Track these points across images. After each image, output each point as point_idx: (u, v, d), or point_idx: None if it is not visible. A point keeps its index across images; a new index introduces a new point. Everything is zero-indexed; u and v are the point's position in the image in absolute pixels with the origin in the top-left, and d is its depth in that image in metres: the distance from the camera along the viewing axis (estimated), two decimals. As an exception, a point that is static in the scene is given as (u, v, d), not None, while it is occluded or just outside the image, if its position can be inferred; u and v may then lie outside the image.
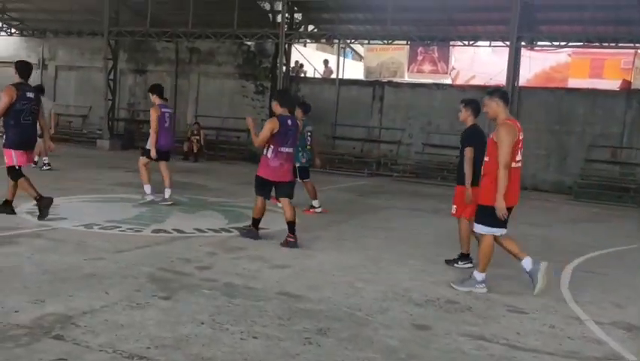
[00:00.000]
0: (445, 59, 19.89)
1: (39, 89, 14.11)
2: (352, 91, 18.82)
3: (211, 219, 8.67)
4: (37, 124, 7.99)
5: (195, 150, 17.81)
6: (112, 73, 20.72)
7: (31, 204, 8.58)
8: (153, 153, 9.54)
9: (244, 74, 19.93)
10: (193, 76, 21.11)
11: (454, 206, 6.78)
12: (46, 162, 13.01)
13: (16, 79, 7.72)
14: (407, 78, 20.27)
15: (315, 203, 9.90)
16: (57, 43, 23.42)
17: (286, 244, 7.14)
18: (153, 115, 9.56)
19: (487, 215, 5.63)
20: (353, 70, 21.95)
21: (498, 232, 5.70)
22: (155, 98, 9.75)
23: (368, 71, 21.43)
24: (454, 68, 20.67)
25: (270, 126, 7.07)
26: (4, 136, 7.72)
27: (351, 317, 4.77)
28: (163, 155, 9.72)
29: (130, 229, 7.52)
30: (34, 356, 3.63)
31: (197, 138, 18.10)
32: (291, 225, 7.18)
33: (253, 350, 4.00)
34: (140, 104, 21.98)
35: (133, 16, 20.03)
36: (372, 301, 5.26)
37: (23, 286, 4.94)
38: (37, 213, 7.64)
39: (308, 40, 21.66)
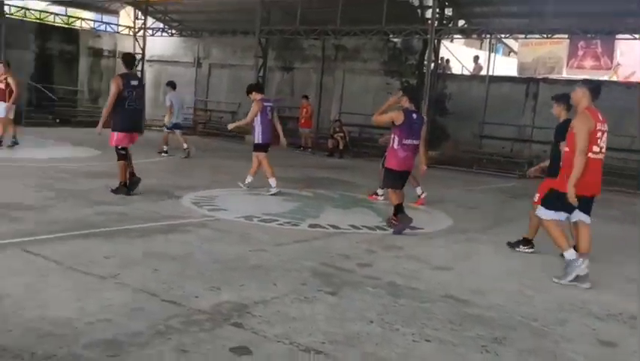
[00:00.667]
0: (610, 53, 18.46)
1: (171, 85, 15.38)
2: (503, 88, 18.10)
3: (364, 216, 8.64)
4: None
5: (341, 147, 17.96)
6: (261, 70, 21.43)
7: (194, 195, 9.09)
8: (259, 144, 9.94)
9: (389, 71, 19.82)
10: (338, 73, 21.34)
11: (537, 195, 6.74)
12: (165, 149, 14.41)
13: (123, 69, 8.87)
14: (565, 74, 19.09)
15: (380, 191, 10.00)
16: (211, 43, 24.67)
17: (389, 223, 7.75)
18: (254, 109, 9.88)
19: (554, 199, 5.83)
20: (503, 66, 21.11)
21: (557, 216, 5.86)
22: (255, 95, 10.04)
23: (522, 67, 20.45)
24: (619, 64, 19.18)
25: (394, 116, 7.56)
26: (112, 120, 8.61)
27: (527, 327, 4.49)
28: (265, 147, 10.02)
29: (287, 222, 7.66)
30: (217, 342, 3.75)
31: (341, 135, 18.23)
32: (397, 207, 7.59)
33: (428, 353, 3.87)
34: (286, 100, 22.60)
35: (283, 15, 20.59)
36: (547, 311, 4.93)
37: (198, 272, 5.16)
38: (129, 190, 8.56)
39: (456, 36, 21.12)
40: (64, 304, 4.15)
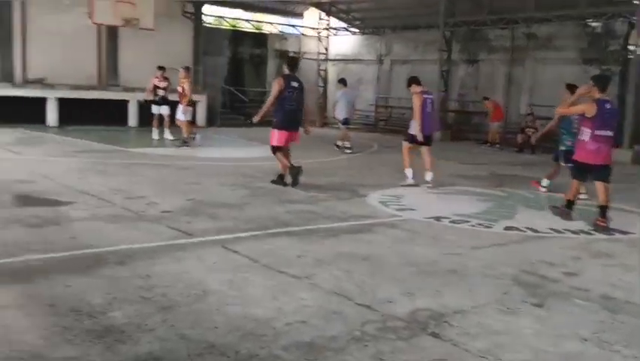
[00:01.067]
0: None
1: (342, 82, 15.82)
2: None
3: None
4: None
5: (533, 142, 16.86)
6: (445, 64, 20.88)
7: (380, 194, 8.98)
8: (420, 138, 9.70)
9: (587, 59, 18.22)
10: (528, 63, 20.13)
11: None
12: (347, 145, 14.80)
13: (286, 71, 9.26)
14: None
15: (544, 182, 9.88)
16: (393, 39, 24.59)
17: (595, 226, 7.13)
18: (417, 102, 9.70)
19: None
20: None
21: None
22: (414, 88, 9.90)
23: None
24: None
25: (586, 108, 7.25)
26: (273, 119, 9.13)
27: None
28: (425, 139, 9.80)
29: (480, 224, 7.24)
30: (416, 353, 3.55)
31: (533, 130, 17.12)
32: (603, 208, 7.15)
33: (661, 384, 3.33)
34: (470, 94, 21.83)
35: (469, 5, 19.88)
36: None
37: (391, 276, 4.99)
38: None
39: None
40: (263, 303, 4.20)
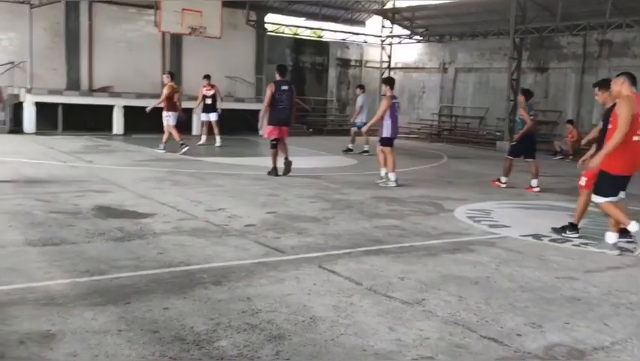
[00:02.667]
0: None
1: (361, 88, 16.87)
2: None
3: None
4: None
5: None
6: (514, 73, 20.20)
7: (466, 208, 8.52)
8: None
9: (669, 66, 17.29)
10: (602, 71, 19.23)
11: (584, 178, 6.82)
12: (366, 148, 15.57)
13: (277, 77, 10.88)
14: None
15: (533, 183, 10.72)
16: (457, 47, 24.04)
17: None
18: (385, 105, 10.53)
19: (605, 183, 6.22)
20: None
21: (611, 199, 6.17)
22: (388, 90, 10.67)
23: None
24: None
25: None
26: (268, 117, 10.83)
27: None
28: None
29: (583, 243, 6.70)
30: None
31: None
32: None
33: None
34: (540, 103, 21.04)
35: (539, 12, 19.17)
36: None
37: (509, 303, 4.54)
38: None
39: None
40: (380, 334, 3.82)
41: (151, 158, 12.95)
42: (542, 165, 13.29)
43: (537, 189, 10.64)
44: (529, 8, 19.34)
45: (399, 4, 24.60)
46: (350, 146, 16.09)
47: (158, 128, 18.11)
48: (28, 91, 17.12)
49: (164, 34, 20.03)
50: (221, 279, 4.82)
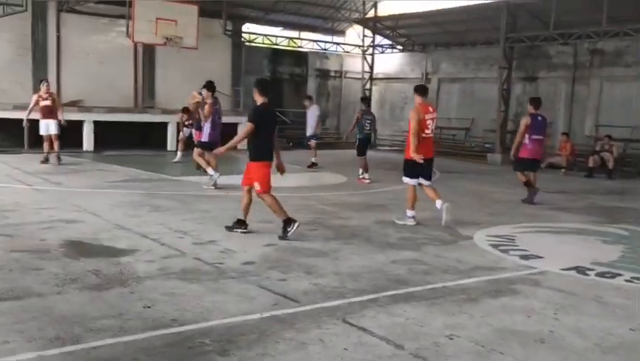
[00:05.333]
0: None
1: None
2: None
3: None
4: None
5: (610, 167, 15.37)
6: (505, 82, 19.49)
7: (484, 234, 7.64)
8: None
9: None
10: (593, 81, 18.69)
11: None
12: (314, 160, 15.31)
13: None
14: None
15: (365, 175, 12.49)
16: (440, 56, 23.32)
17: None
18: (208, 109, 11.11)
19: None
20: None
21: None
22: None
23: None
24: None
25: None
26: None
27: None
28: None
29: (636, 278, 5.84)
30: None
31: (610, 153, 15.61)
32: None
33: None
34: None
35: (530, 20, 18.52)
36: None
37: (596, 373, 3.63)
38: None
39: None
40: None
41: (124, 178, 11.80)
42: (545, 180, 12.60)
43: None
44: (520, 16, 18.68)
45: (381, 13, 23.81)
46: (313, 160, 15.45)
47: (130, 144, 17.05)
48: (-9, 106, 15.82)
49: (136, 45, 18.86)
50: (227, 346, 3.81)
